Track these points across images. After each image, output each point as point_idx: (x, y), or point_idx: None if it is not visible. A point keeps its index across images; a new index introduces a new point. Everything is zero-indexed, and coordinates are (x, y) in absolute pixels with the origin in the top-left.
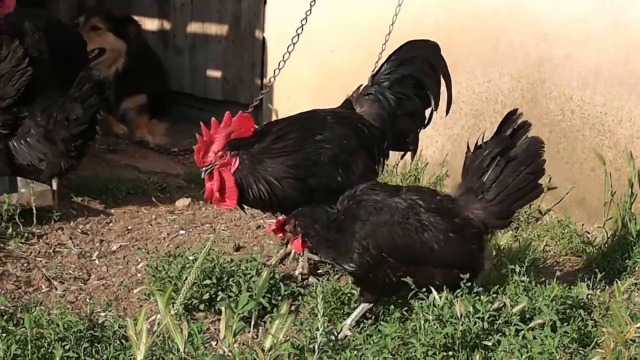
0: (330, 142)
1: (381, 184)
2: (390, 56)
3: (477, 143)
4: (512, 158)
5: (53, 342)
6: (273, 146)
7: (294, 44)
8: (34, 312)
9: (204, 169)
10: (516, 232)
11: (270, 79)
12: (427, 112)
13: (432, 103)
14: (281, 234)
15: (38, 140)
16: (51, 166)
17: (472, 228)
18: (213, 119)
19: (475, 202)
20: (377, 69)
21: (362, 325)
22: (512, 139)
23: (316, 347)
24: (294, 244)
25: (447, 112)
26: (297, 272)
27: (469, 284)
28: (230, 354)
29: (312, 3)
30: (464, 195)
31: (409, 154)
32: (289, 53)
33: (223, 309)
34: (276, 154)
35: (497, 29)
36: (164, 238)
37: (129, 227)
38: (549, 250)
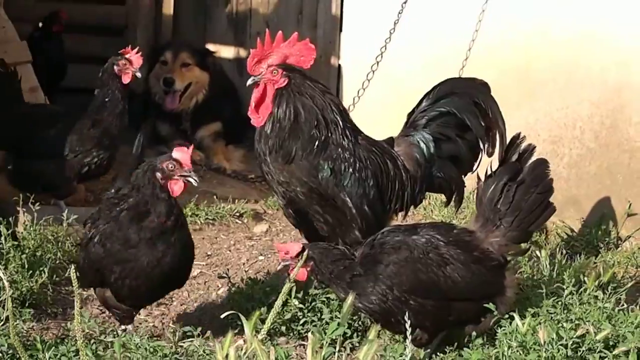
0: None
1: (398, 226)
2: (428, 93)
3: (486, 172)
4: (521, 182)
5: None
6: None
7: (373, 71)
8: (123, 336)
9: (251, 78)
10: (596, 259)
11: (349, 106)
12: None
13: (481, 146)
14: (285, 256)
15: None
16: None
17: (491, 260)
18: (280, 33)
19: (495, 231)
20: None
21: (445, 352)
22: (520, 164)
23: None
24: (300, 274)
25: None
26: None
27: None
28: None
29: (392, 31)
30: (482, 227)
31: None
32: (368, 81)
33: (309, 334)
34: (318, 96)
35: (575, 55)
36: (244, 264)
37: (209, 253)
38: (631, 277)
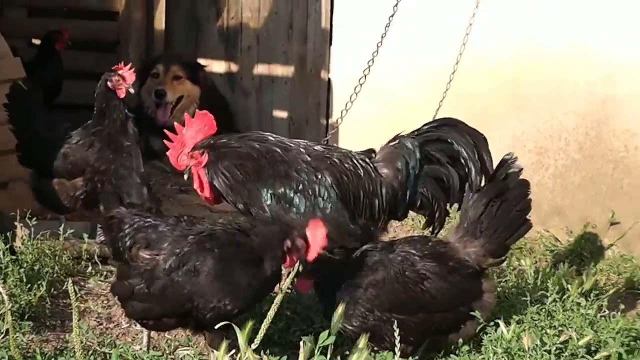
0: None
1: (375, 244)
2: (434, 120)
3: (475, 187)
4: (505, 200)
5: None
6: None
7: (361, 84)
8: (120, 347)
9: (185, 171)
10: (579, 267)
11: (337, 120)
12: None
13: (469, 178)
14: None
15: None
16: None
17: (467, 268)
18: (176, 123)
19: (474, 241)
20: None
21: (432, 359)
22: (507, 183)
23: None
24: (300, 283)
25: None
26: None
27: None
28: None
29: (379, 44)
30: (461, 237)
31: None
32: (356, 94)
33: (301, 343)
34: (242, 145)
35: (563, 68)
36: None
37: None
38: (612, 284)
